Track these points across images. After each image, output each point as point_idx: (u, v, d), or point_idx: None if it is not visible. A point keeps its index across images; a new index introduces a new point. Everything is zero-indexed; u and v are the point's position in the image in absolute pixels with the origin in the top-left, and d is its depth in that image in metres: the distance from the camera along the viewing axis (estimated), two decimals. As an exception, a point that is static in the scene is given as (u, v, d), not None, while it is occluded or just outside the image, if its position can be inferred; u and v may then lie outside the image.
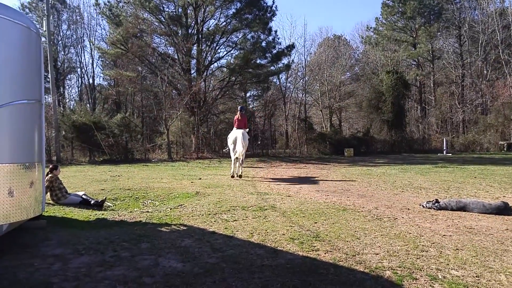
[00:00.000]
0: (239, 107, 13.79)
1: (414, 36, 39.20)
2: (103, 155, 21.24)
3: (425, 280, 3.42)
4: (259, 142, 28.04)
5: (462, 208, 6.44)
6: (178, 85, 27.35)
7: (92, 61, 38.35)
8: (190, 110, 25.06)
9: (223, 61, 28.13)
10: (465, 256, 4.12)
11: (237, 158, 12.38)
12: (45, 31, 19.84)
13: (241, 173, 12.53)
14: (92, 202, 7.32)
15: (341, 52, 40.15)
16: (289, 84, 34.63)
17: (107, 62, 35.17)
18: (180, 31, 25.53)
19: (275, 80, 33.85)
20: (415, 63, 41.06)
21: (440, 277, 3.50)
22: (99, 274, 3.64)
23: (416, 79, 39.58)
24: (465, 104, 34.30)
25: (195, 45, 25.97)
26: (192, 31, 26.01)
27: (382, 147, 29.84)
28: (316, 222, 5.73)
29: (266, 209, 6.71)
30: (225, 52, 27.66)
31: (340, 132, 33.75)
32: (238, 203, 7.31)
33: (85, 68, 37.92)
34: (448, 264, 3.84)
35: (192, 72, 26.42)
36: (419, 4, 38.24)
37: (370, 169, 15.53)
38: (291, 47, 27.91)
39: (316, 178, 12.30)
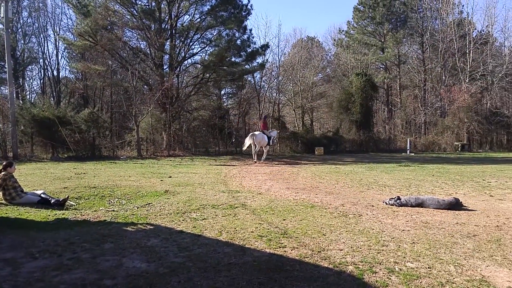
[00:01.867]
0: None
1: (383, 40, 40.37)
2: (67, 151, 20.48)
3: (383, 273, 3.60)
4: (233, 140, 28.06)
5: (420, 204, 6.79)
6: (150, 80, 26.88)
7: (57, 52, 36.63)
8: (161, 106, 24.68)
9: (197, 58, 27.94)
10: (420, 249, 4.36)
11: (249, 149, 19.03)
12: (3, 17, 18.70)
13: (255, 160, 18.48)
14: (52, 201, 6.92)
15: (314, 54, 40.83)
16: (263, 83, 34.85)
17: (74, 54, 33.60)
18: (153, 26, 25.05)
19: (249, 78, 33.96)
20: (383, 66, 42.32)
21: (397, 269, 3.69)
22: (54, 278, 3.48)
23: (383, 82, 40.81)
24: (426, 107, 35.86)
25: (168, 41, 25.58)
26: (166, 26, 25.61)
27: (351, 146, 30.65)
28: (285, 219, 5.84)
29: (236, 207, 6.76)
30: (199, 49, 27.48)
31: (312, 131, 34.37)
32: (209, 201, 7.31)
33: (49, 60, 36.16)
34: (404, 257, 4.05)
35: (164, 67, 26.02)
36: (387, 11, 39.44)
37: (338, 167, 15.93)
38: (265, 46, 28.10)
39: (288, 176, 12.49)
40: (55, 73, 35.84)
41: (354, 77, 31.96)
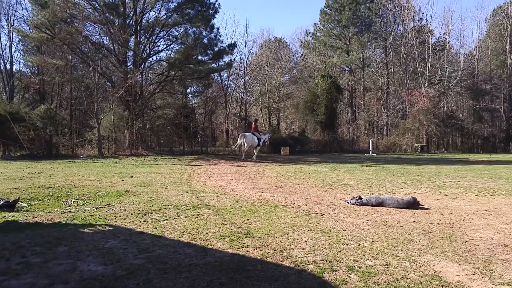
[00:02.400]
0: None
1: (348, 44, 41.38)
2: (20, 150, 19.45)
3: (343, 271, 3.66)
4: (199, 140, 27.75)
5: (381, 203, 6.99)
6: (113, 77, 26.02)
7: (10, 44, 34.48)
8: (124, 104, 23.95)
9: (162, 55, 27.36)
10: (379, 247, 4.47)
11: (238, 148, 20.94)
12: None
13: (243, 158, 20.28)
14: (1, 202, 6.54)
15: (281, 55, 41.28)
16: (230, 83, 34.78)
17: (30, 47, 31.94)
18: (116, 21, 24.25)
19: (216, 77, 33.76)
20: (348, 69, 43.39)
21: (356, 267, 3.77)
22: (1, 284, 3.32)
23: (348, 84, 41.85)
24: (388, 109, 37.23)
25: (133, 37, 24.86)
26: (130, 22, 24.88)
27: (316, 147, 31.20)
28: (248, 219, 5.83)
29: (199, 208, 6.68)
30: (165, 46, 26.91)
31: (278, 131, 34.67)
32: (171, 201, 7.20)
33: (1, 52, 34.21)
34: (364, 255, 4.15)
35: (128, 64, 25.26)
36: (353, 15, 40.50)
37: (303, 167, 16.15)
38: (233, 45, 28.03)
39: (253, 176, 12.50)
40: (8, 66, 33.81)
41: (320, 79, 32.53)
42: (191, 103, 34.32)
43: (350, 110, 41.75)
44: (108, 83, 26.11)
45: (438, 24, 51.26)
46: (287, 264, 3.86)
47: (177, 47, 26.12)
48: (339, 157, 24.63)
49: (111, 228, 5.22)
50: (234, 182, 10.67)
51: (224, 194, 8.45)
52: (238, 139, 20.86)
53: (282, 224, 5.55)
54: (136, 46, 24.59)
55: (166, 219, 5.76)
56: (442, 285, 3.35)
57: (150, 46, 25.76)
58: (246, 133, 21.09)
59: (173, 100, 29.68)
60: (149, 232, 5.01)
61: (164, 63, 26.78)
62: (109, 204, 6.88)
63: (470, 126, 38.87)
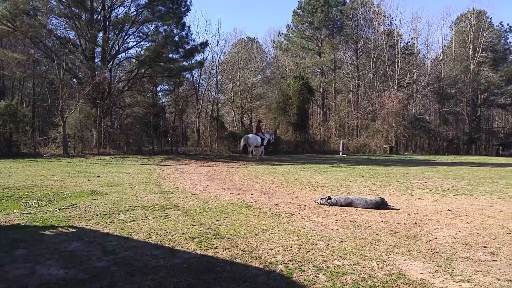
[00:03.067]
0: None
1: (320, 45, 42.00)
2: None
3: (311, 272, 3.67)
4: (169, 139, 27.31)
5: (350, 204, 7.10)
6: (79, 73, 25.20)
7: (-33, 35, 32.52)
8: (92, 101, 23.19)
9: (132, 52, 26.78)
10: (347, 247, 4.52)
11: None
12: None
13: (251, 157, 21.46)
14: None
15: (254, 55, 41.35)
16: (202, 82, 34.45)
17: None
18: (84, 15, 23.46)
19: (188, 76, 33.36)
20: (319, 70, 44.04)
21: (324, 267, 3.79)
22: None
23: (320, 85, 42.48)
24: (359, 111, 38.11)
25: (101, 32, 24.15)
26: (98, 17, 24.14)
27: (288, 147, 31.45)
28: (218, 220, 5.78)
29: (168, 208, 6.56)
30: (135, 43, 26.37)
31: (251, 131, 34.62)
32: (139, 202, 7.04)
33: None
34: (332, 255, 4.18)
35: (96, 60, 24.52)
36: (325, 17, 41.14)
37: (275, 167, 16.22)
38: (204, 44, 27.83)
39: (224, 176, 12.42)
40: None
41: (292, 80, 32.82)
42: (161, 101, 33.79)
43: (321, 112, 42.38)
44: (74, 80, 25.22)
45: (407, 29, 53.16)
46: (256, 265, 3.84)
47: (148, 45, 25.65)
48: (310, 157, 24.94)
49: (74, 230, 5.02)
50: (204, 183, 10.56)
51: (194, 194, 8.34)
52: (242, 140, 22.39)
53: (252, 224, 5.53)
54: (104, 42, 23.88)
55: (133, 220, 5.62)
56: (407, 283, 3.42)
57: (119, 42, 25.12)
58: (249, 135, 22.69)
59: (143, 98, 29.08)
60: (115, 234, 4.86)
61: (134, 60, 26.18)
62: (73, 205, 6.63)
63: (437, 128, 40.47)
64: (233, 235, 4.93)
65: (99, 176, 11.05)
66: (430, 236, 5.09)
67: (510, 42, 48.82)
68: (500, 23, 47.06)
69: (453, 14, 52.53)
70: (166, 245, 4.46)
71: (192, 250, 4.29)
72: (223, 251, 4.26)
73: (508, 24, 47.87)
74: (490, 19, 44.48)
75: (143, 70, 25.31)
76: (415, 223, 5.87)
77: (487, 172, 15.53)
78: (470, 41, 42.72)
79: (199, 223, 5.58)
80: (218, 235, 4.92)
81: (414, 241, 4.81)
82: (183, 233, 4.95)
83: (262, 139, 22.14)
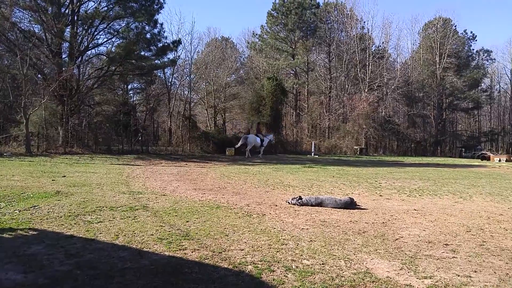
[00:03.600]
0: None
1: (293, 47, 42.42)
2: None
3: (280, 271, 3.67)
4: (139, 138, 26.76)
5: (320, 203, 7.18)
6: (45, 69, 24.20)
7: None
8: (58, 98, 22.35)
9: (102, 49, 26.02)
10: (316, 246, 4.57)
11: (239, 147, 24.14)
12: None
13: (249, 155, 23.36)
14: None
15: (228, 54, 41.23)
16: (174, 80, 33.99)
17: None
18: (50, 9, 22.54)
19: (160, 74, 32.81)
20: (293, 72, 44.49)
21: (293, 267, 3.81)
22: None
23: (293, 87, 42.92)
24: (330, 113, 38.76)
25: (69, 27, 23.30)
26: (66, 11, 23.28)
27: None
28: (188, 221, 5.70)
29: (137, 209, 6.43)
30: (105, 39, 25.58)
31: (224, 131, 34.54)
32: (106, 203, 6.86)
33: None
34: (302, 255, 4.20)
35: (63, 56, 23.65)
36: (299, 19, 41.60)
37: (247, 168, 16.21)
38: (178, 42, 27.45)
39: (196, 177, 12.28)
40: None
41: (266, 80, 32.97)
42: (132, 100, 33.11)
43: (294, 113, 42.81)
44: (39, 76, 24.22)
45: (378, 33, 54.68)
46: (226, 266, 3.80)
47: (119, 42, 24.96)
48: (283, 158, 25.10)
49: (35, 233, 4.79)
50: (175, 183, 10.40)
51: (164, 195, 8.20)
52: (241, 140, 24.41)
53: (222, 225, 5.49)
54: (72, 37, 23.06)
55: (100, 221, 5.46)
56: (373, 281, 3.48)
57: (89, 38, 24.31)
58: (249, 135, 24.86)
59: (113, 96, 28.36)
60: (80, 236, 4.70)
61: (104, 57, 25.43)
62: (35, 206, 6.34)
63: (405, 130, 41.78)
64: (203, 236, 4.87)
65: (64, 176, 10.67)
66: (397, 235, 5.22)
67: (473, 49, 51.20)
68: (464, 31, 49.27)
69: (421, 21, 54.69)
70: (134, 246, 4.36)
71: (161, 251, 4.21)
72: (192, 252, 4.20)
73: (471, 32, 50.21)
74: (455, 27, 46.52)
75: (113, 68, 24.64)
76: (383, 222, 6.00)
77: (451, 173, 16.17)
78: (437, 47, 44.43)
79: (169, 224, 5.49)
80: (188, 236, 4.85)
81: (381, 240, 4.91)
82: (152, 234, 4.85)
83: (262, 140, 24.11)
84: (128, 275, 3.47)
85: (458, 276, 3.67)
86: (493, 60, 53.91)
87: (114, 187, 9.01)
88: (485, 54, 52.89)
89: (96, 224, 5.31)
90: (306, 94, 42.60)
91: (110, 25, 24.54)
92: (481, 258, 4.24)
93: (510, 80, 54.08)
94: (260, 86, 34.39)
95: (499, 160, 29.59)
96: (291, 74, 44.83)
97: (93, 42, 24.86)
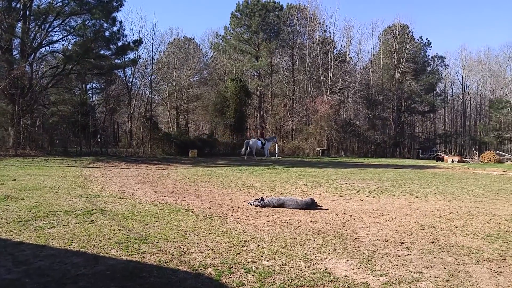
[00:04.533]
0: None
1: (257, 49, 42.69)
2: None
3: (240, 273, 3.67)
4: (98, 140, 25.83)
5: (282, 204, 7.24)
6: (-7, 66, 22.78)
7: None
8: (8, 97, 21.10)
9: (57, 46, 24.82)
10: (277, 247, 4.59)
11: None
12: None
13: (246, 157, 25.30)
14: None
15: (191, 55, 40.77)
16: (135, 80, 33.16)
17: None
18: (0, 3, 21.29)
19: (120, 74, 31.87)
20: (257, 74, 44.75)
21: (254, 268, 3.81)
22: None
23: (257, 89, 43.15)
24: (294, 115, 39.34)
25: (20, 22, 22.11)
26: (17, 5, 22.06)
27: (225, 149, 31.42)
28: (147, 224, 5.58)
29: (94, 213, 6.24)
30: (61, 36, 24.42)
31: (187, 133, 34.10)
32: (61, 207, 6.60)
33: None
34: (262, 256, 4.21)
35: (14, 53, 22.40)
36: (263, 21, 41.93)
37: (210, 170, 16.09)
38: (139, 42, 26.76)
39: (156, 179, 12.03)
40: None
41: (230, 82, 32.92)
42: (91, 100, 31.92)
43: (258, 114, 43.06)
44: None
45: (340, 37, 56.22)
46: (185, 269, 3.75)
47: (75, 39, 23.96)
48: (246, 159, 25.12)
49: (-21, 240, 4.49)
50: (135, 186, 10.13)
51: (123, 198, 7.97)
52: (244, 145, 26.59)
53: (183, 228, 5.40)
54: (24, 33, 21.87)
55: (53, 226, 5.24)
56: (331, 281, 3.55)
57: (42, 35, 23.11)
58: (250, 140, 27.04)
59: (70, 96, 27.20)
60: (30, 242, 4.48)
61: (60, 55, 24.31)
62: (-20, 211, 5.95)
63: (365, 132, 43.17)
64: (163, 239, 4.78)
65: (15, 180, 10.12)
66: (355, 234, 5.35)
67: (429, 55, 53.87)
68: (420, 37, 51.72)
69: (381, 26, 56.68)
70: (89, 251, 4.21)
71: (118, 256, 4.09)
72: (151, 256, 4.11)
73: (426, 39, 52.80)
74: (412, 33, 48.77)
75: (70, 66, 23.60)
76: (342, 222, 6.14)
77: (408, 173, 16.85)
78: (395, 52, 46.34)
79: (127, 227, 5.35)
80: (147, 239, 4.74)
81: (340, 240, 5.02)
82: (109, 239, 4.71)
83: (263, 144, 26.29)
84: (82, 282, 3.34)
85: (411, 272, 3.82)
86: (447, 66, 57.11)
87: (70, 191, 8.66)
88: (439, 60, 55.87)
89: (49, 229, 5.09)
90: (270, 96, 42.97)
91: (65, 21, 23.42)
92: (433, 255, 4.42)
93: (461, 85, 57.58)
94: (224, 87, 34.29)
95: (452, 161, 31.21)
96: (255, 76, 45.06)
97: (47, 39, 23.69)
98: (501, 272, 3.90)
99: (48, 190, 8.55)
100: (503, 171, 19.89)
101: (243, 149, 26.34)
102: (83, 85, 31.01)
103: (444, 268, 3.98)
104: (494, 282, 3.61)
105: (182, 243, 4.63)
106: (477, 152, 39.94)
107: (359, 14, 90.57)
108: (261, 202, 7.26)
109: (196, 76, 42.02)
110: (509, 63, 51.32)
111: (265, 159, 25.83)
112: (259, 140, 26.64)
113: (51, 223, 5.41)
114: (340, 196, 9.32)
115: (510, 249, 4.73)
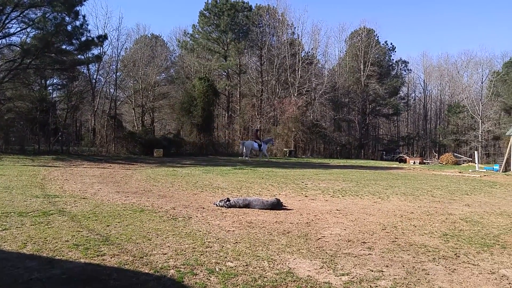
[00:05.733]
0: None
1: (226, 49, 42.51)
2: None
3: (203, 274, 3.63)
4: (59, 138, 24.80)
5: (248, 205, 7.24)
6: None
7: None
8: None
9: (15, 39, 23.50)
10: (241, 248, 4.58)
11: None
12: None
13: (248, 158, 25.41)
14: None
15: (158, 53, 40.02)
16: (100, 77, 32.11)
17: None
18: None
19: (84, 70, 30.74)
20: (225, 73, 44.54)
21: (217, 269, 3.78)
22: None
23: (225, 88, 42.95)
24: (262, 116, 39.50)
25: (-28, 12, 20.79)
26: (-31, -5, 20.72)
27: (191, 149, 31.04)
28: (108, 225, 5.43)
29: (51, 214, 6.01)
30: (19, 29, 23.13)
31: (152, 132, 33.41)
32: (15, 208, 6.31)
33: None
34: (226, 257, 4.19)
35: (-35, 44, 21.05)
36: (231, 21, 41.81)
37: (176, 170, 15.84)
38: (103, 37, 25.87)
39: (119, 179, 11.69)
40: None
41: (197, 81, 32.56)
42: (51, 96, 30.54)
43: (226, 114, 42.88)
44: None
45: (308, 40, 57.07)
46: (147, 271, 3.67)
47: (35, 32, 22.79)
48: (214, 159, 24.97)
49: None
50: (97, 186, 9.81)
51: (84, 198, 7.70)
52: (240, 146, 27.53)
53: (145, 229, 5.28)
54: (-23, 24, 20.61)
55: (5, 229, 5.00)
56: (294, 281, 3.58)
57: (-2, 27, 21.88)
58: (246, 141, 27.63)
59: (28, 92, 25.91)
60: (-21, 246, 4.21)
61: (18, 48, 23.06)
62: None
63: (331, 134, 44.01)
64: (124, 240, 4.66)
65: (-35, 179, 9.51)
66: (319, 234, 5.43)
67: (393, 60, 55.79)
68: (385, 42, 53.39)
69: (348, 30, 58.24)
70: (45, 255, 4.04)
71: (76, 258, 3.96)
72: (111, 258, 4.00)
73: (391, 44, 54.61)
74: (377, 37, 50.26)
75: (28, 60, 22.45)
76: (307, 222, 6.21)
77: (372, 174, 17.27)
78: (361, 55, 47.60)
79: (87, 229, 5.18)
80: (108, 241, 4.61)
81: (304, 240, 5.07)
82: (67, 241, 4.55)
83: (260, 145, 26.44)
84: (35, 287, 3.20)
85: (372, 271, 3.91)
86: (410, 71, 59.33)
87: (26, 191, 8.27)
88: (403, 65, 57.89)
89: (0, 232, 4.83)
90: (238, 96, 42.91)
91: (24, 13, 22.25)
92: (393, 254, 4.56)
93: (423, 89, 60.11)
94: (191, 86, 33.85)
95: (414, 163, 32.36)
96: (224, 76, 44.84)
97: (3, 31, 22.38)
98: (455, 269, 4.08)
99: (0, 190, 8.10)
100: (459, 172, 20.85)
101: (243, 150, 26.80)
102: (43, 81, 29.64)
103: (403, 266, 4.12)
104: (449, 279, 3.77)
105: (144, 245, 4.52)
106: (436, 154, 41.70)
107: (326, 17, 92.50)
108: (227, 202, 7.22)
109: (163, 74, 41.25)
110: (466, 69, 54.23)
111: (261, 160, 25.88)
112: (256, 141, 26.78)
113: (3, 225, 5.16)
114: (306, 196, 9.42)
115: (464, 247, 4.96)
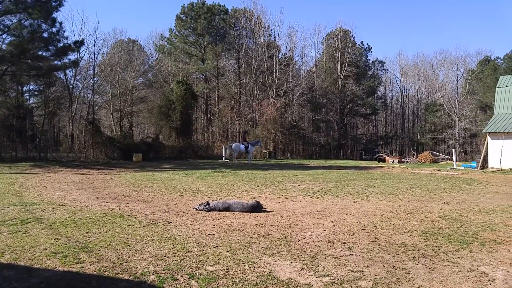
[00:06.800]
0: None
1: (203, 52, 42.41)
2: None
3: (184, 279, 3.66)
4: (36, 144, 24.17)
5: (227, 208, 7.28)
6: None
7: None
8: None
9: (-10, 45, 22.86)
10: (222, 251, 4.62)
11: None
12: None
13: (235, 162, 25.55)
14: None
15: (135, 57, 39.59)
16: (77, 82, 31.48)
17: None
18: None
19: (61, 76, 30.08)
20: (203, 76, 44.44)
21: (197, 274, 3.81)
22: None
23: (203, 91, 42.82)
24: (241, 118, 39.57)
25: None
26: None
27: (171, 153, 30.81)
28: (87, 232, 5.39)
29: (29, 222, 5.93)
30: (-5, 36, 22.56)
31: (131, 136, 32.98)
32: (-9, 217, 6.11)
33: None
34: (206, 261, 4.23)
35: None
36: (208, 24, 41.78)
37: (155, 174, 15.70)
38: (80, 43, 25.55)
39: (98, 185, 11.52)
40: None
41: (175, 84, 32.36)
42: (28, 103, 29.78)
43: (205, 117, 42.74)
44: None
45: (284, 42, 57.52)
46: (126, 277, 3.68)
47: (10, 39, 22.26)
48: (193, 163, 24.85)
49: None
50: (75, 192, 9.66)
51: (62, 205, 7.59)
52: (228, 149, 27.41)
53: (125, 235, 5.27)
54: (-51, 29, 19.93)
55: (-20, 239, 4.87)
56: (275, 283, 3.63)
57: (-28, 32, 21.23)
58: (233, 144, 27.61)
59: (4, 98, 25.21)
60: (-49, 258, 4.12)
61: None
62: None
63: (310, 135, 44.41)
64: (104, 247, 4.64)
65: None
66: (299, 236, 5.48)
67: (369, 60, 56.85)
68: (361, 43, 54.40)
69: (324, 31, 59.00)
70: (23, 264, 4.00)
71: (54, 267, 3.93)
72: (90, 265, 3.99)
73: (367, 44, 55.70)
74: (353, 38, 51.08)
75: (4, 67, 21.87)
76: (287, 224, 6.27)
77: (351, 174, 17.44)
78: (338, 56, 48.29)
79: (66, 236, 5.13)
80: (87, 248, 4.58)
81: (285, 242, 5.13)
82: (45, 249, 4.51)
83: (246, 147, 26.07)
84: (12, 297, 3.15)
85: (353, 271, 3.97)
86: (386, 71, 60.51)
87: (3, 199, 8.12)
88: (379, 65, 59.05)
89: (-25, 242, 4.72)
90: (216, 99, 42.84)
91: (-1, 20, 21.71)
92: (373, 254, 4.62)
93: (400, 89, 61.38)
94: (169, 89, 33.63)
95: (393, 162, 32.79)
96: (201, 79, 44.71)
97: (-22, 37, 21.76)
98: (435, 267, 4.15)
99: (-25, 199, 7.90)
100: (438, 170, 21.11)
101: (224, 153, 27.07)
102: (19, 87, 28.88)
103: (383, 266, 4.17)
104: (429, 277, 3.85)
105: (124, 251, 4.52)
106: (415, 153, 42.52)
107: (303, 19, 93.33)
108: (207, 206, 7.24)
109: (141, 78, 40.82)
110: (441, 68, 55.80)
111: (247, 162, 25.93)
112: (242, 144, 26.66)
113: (-22, 236, 5.03)
114: (286, 198, 9.48)
115: (443, 245, 5.05)
